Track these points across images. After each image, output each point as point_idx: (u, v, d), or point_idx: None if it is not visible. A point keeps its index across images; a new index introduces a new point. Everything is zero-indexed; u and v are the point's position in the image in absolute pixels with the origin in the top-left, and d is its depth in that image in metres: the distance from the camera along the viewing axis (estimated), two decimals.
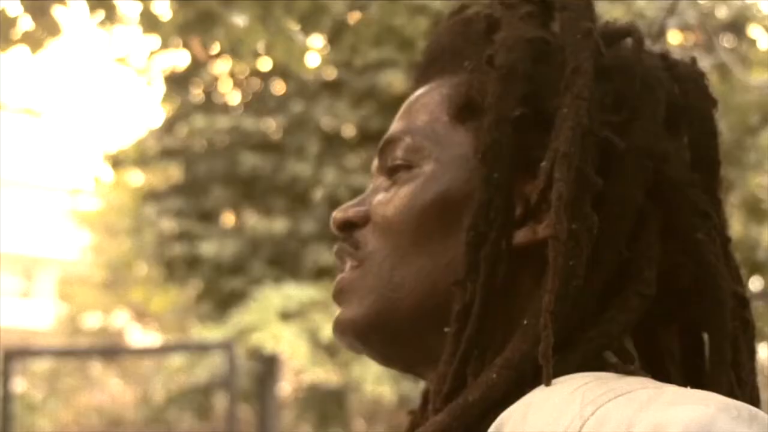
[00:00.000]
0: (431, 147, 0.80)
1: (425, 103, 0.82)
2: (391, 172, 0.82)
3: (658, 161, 0.76)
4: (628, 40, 0.80)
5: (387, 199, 0.81)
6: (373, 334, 0.80)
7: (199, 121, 11.19)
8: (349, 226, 0.83)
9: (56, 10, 3.35)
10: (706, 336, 0.77)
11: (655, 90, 0.78)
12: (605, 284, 0.73)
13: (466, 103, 0.79)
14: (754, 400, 0.77)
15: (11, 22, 3.30)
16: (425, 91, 0.84)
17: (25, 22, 3.33)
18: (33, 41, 3.33)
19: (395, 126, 0.83)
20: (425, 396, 0.85)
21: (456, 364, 0.72)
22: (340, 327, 0.82)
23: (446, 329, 0.74)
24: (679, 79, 0.81)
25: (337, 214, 0.84)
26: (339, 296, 0.82)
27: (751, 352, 0.78)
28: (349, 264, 0.82)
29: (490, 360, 0.71)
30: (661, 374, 0.76)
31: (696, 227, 0.76)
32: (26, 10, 3.30)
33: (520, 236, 0.75)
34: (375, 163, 0.86)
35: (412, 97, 0.85)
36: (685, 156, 0.79)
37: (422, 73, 0.86)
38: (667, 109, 0.78)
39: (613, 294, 0.73)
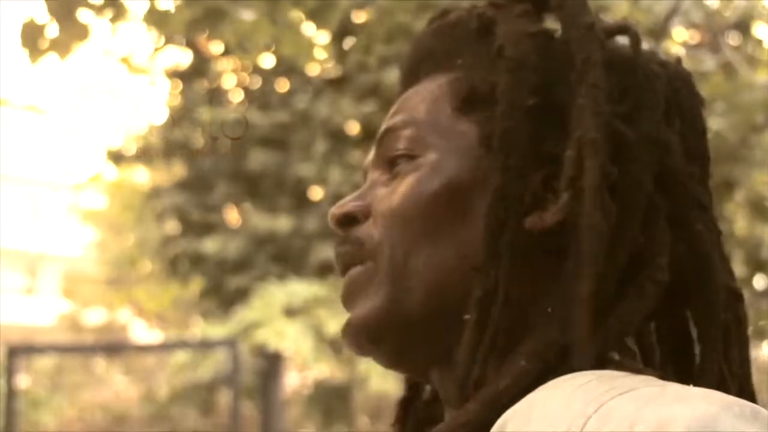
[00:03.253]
0: (434, 137, 0.80)
1: (423, 98, 0.82)
2: (392, 164, 0.81)
3: (662, 150, 0.77)
4: (621, 38, 0.81)
5: (391, 191, 0.80)
6: (386, 330, 0.78)
7: (204, 114, 11.17)
8: (349, 221, 0.82)
9: (81, 14, 3.35)
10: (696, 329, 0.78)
11: (655, 82, 0.79)
12: (621, 272, 0.73)
13: (469, 95, 0.80)
14: (744, 393, 0.77)
15: (39, 31, 3.30)
16: (420, 88, 0.84)
17: (52, 30, 3.33)
18: (61, 47, 3.33)
19: (394, 119, 0.83)
20: (405, 404, 0.86)
21: (483, 352, 0.73)
22: (351, 329, 0.80)
23: (466, 316, 0.74)
24: (671, 77, 0.82)
25: (335, 210, 0.83)
26: (350, 296, 0.81)
27: (743, 346, 0.79)
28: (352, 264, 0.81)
29: (512, 347, 0.72)
30: (656, 367, 0.76)
31: (696, 219, 0.78)
32: (53, 16, 3.30)
33: (528, 224, 0.75)
34: (370, 156, 0.85)
35: (405, 94, 0.85)
36: (680, 149, 0.80)
37: (411, 75, 0.86)
38: (665, 103, 0.79)
39: (627, 282, 0.74)
